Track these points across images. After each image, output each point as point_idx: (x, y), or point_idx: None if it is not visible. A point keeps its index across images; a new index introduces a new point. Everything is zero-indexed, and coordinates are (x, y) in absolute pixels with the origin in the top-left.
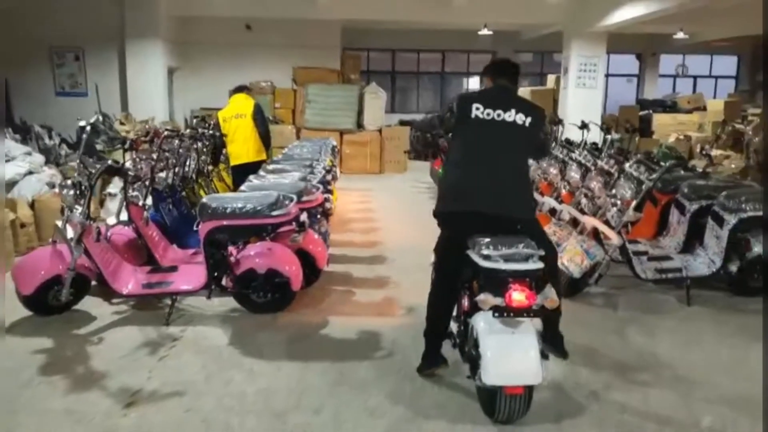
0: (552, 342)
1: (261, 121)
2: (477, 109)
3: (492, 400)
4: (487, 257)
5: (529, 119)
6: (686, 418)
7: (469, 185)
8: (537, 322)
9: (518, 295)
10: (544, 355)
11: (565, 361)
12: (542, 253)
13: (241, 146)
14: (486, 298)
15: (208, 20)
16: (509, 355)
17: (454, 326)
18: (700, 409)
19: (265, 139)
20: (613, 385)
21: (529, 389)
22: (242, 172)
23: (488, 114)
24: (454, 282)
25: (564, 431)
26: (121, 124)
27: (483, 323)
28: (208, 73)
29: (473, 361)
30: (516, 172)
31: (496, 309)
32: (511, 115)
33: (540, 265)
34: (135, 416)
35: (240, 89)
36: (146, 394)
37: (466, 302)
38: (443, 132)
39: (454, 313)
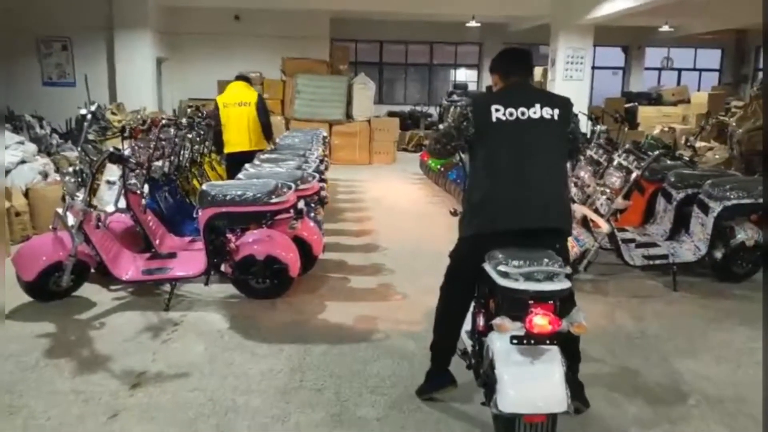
0: (572, 392)
1: (263, 111)
2: (497, 110)
3: (510, 429)
4: (505, 274)
5: (556, 111)
6: (673, 396)
7: (506, 199)
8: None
9: (540, 320)
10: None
11: (586, 409)
12: (569, 270)
13: (238, 134)
14: (502, 323)
15: (197, 11)
16: (530, 378)
17: (468, 344)
18: (687, 389)
19: (267, 128)
20: (603, 365)
21: (553, 418)
22: (239, 161)
23: (511, 114)
24: (470, 292)
25: None
26: (113, 114)
27: (500, 344)
28: (197, 64)
29: (489, 385)
30: (554, 176)
31: (514, 335)
32: (536, 111)
33: (567, 284)
34: (142, 396)
35: (241, 78)
36: (152, 375)
37: (481, 320)
38: (464, 143)
39: (469, 328)
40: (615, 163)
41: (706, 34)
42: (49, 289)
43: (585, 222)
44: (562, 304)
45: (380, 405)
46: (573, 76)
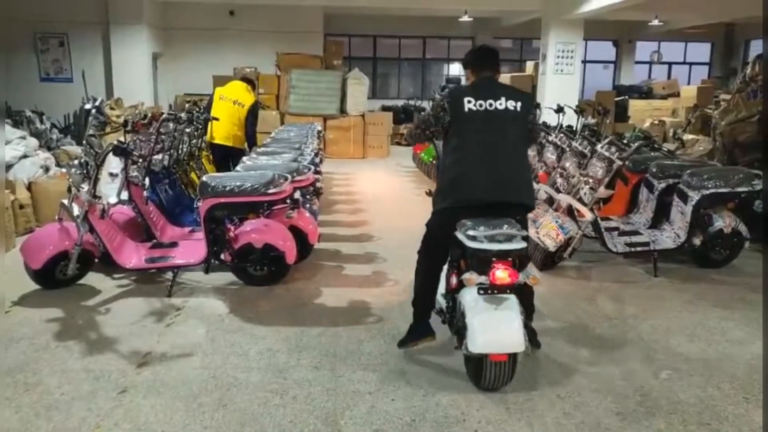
0: (528, 336)
1: (252, 122)
2: (469, 102)
3: (479, 368)
4: (472, 238)
5: (519, 104)
6: (647, 371)
7: (476, 177)
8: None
9: (501, 273)
10: (534, 344)
11: (538, 350)
12: (525, 233)
13: (226, 129)
14: (471, 277)
15: (192, 6)
16: (494, 324)
17: (443, 302)
18: (660, 364)
19: (251, 137)
20: (584, 344)
21: (513, 357)
22: (221, 153)
23: (480, 105)
24: (443, 255)
25: (537, 379)
26: (111, 109)
27: (469, 297)
28: (192, 59)
29: (460, 332)
30: (517, 158)
31: (480, 286)
32: (502, 103)
33: (523, 244)
34: (149, 373)
35: (245, 80)
36: (157, 355)
37: (454, 280)
38: (440, 129)
39: (443, 290)
40: (598, 154)
41: (695, 28)
42: (55, 277)
43: (570, 211)
44: (519, 261)
45: (372, 380)
46: (564, 70)
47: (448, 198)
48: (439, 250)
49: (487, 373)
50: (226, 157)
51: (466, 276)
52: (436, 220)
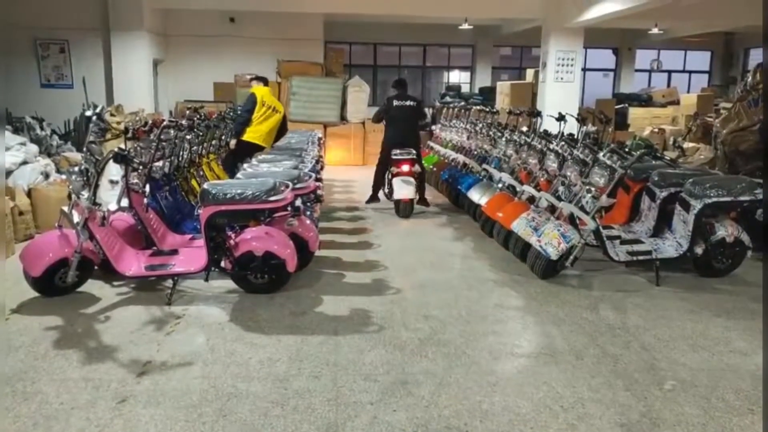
0: (423, 202)
1: (286, 127)
2: (394, 102)
3: (398, 206)
4: (396, 154)
5: (414, 103)
6: (651, 382)
7: (396, 135)
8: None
9: (405, 167)
10: (423, 202)
11: (428, 207)
12: (415, 151)
13: (266, 132)
14: (394, 169)
15: (192, 13)
16: (403, 188)
17: (387, 187)
18: (664, 374)
19: (282, 135)
20: (586, 352)
21: (411, 201)
22: (251, 149)
23: (398, 103)
24: (385, 168)
25: (540, 389)
26: (112, 115)
27: (396, 183)
28: (193, 66)
29: (391, 193)
30: (413, 129)
31: (398, 173)
32: (406, 103)
33: (414, 156)
34: (148, 383)
35: (261, 80)
36: (157, 364)
37: (391, 175)
38: (384, 114)
39: (387, 183)
40: (600, 162)
41: (695, 37)
42: (54, 284)
43: (572, 219)
44: (414, 162)
45: (374, 390)
46: (564, 78)
47: (385, 143)
48: (384, 165)
49: (400, 208)
50: (251, 155)
51: (392, 169)
52: (381, 153)
